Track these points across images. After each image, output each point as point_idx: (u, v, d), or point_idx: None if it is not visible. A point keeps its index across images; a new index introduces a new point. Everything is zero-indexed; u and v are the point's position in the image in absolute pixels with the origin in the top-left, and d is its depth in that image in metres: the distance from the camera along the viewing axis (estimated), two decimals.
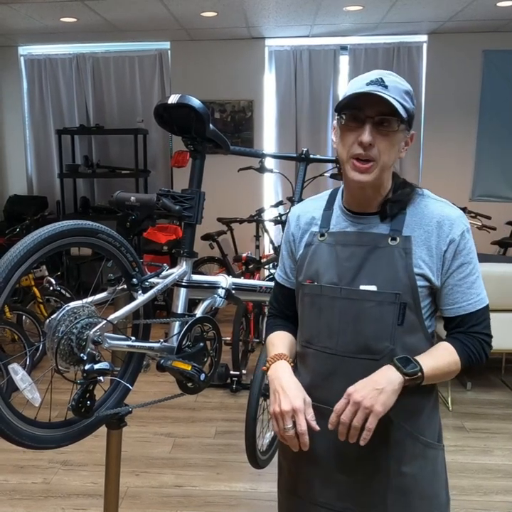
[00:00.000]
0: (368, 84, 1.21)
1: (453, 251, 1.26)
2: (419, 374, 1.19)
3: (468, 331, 1.28)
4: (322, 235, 1.35)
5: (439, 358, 1.25)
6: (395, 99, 1.19)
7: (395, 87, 1.21)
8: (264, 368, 1.40)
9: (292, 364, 1.35)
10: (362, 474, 1.32)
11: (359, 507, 1.34)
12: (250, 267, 4.45)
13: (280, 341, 1.43)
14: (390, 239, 1.27)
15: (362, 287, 1.27)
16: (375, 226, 1.30)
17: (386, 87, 1.20)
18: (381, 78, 1.21)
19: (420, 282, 1.26)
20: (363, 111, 1.20)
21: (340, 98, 1.25)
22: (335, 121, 1.29)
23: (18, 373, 1.35)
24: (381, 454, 1.30)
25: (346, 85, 5.44)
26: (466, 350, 1.27)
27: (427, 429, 1.34)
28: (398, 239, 1.27)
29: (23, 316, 4.52)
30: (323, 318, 1.32)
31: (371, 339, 1.27)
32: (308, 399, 1.26)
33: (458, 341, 1.28)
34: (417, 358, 1.22)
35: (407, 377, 1.18)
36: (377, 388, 1.17)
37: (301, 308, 1.40)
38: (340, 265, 1.30)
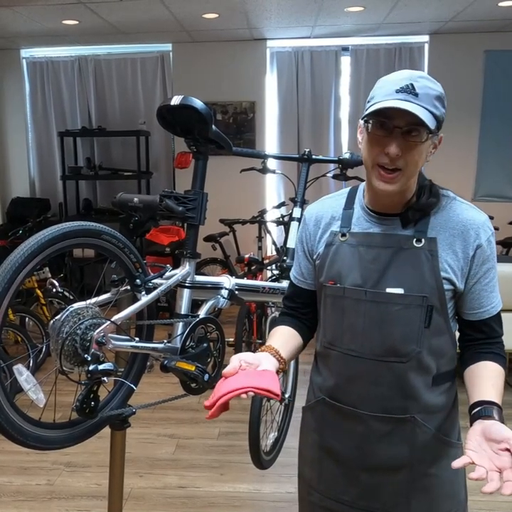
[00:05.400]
0: (397, 91, 1.15)
1: (481, 257, 1.25)
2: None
3: (494, 337, 1.31)
4: (343, 235, 1.33)
5: (501, 386, 1.26)
6: (425, 109, 1.15)
7: (425, 94, 1.16)
8: None
9: (277, 355, 1.28)
10: (386, 475, 1.33)
11: (382, 506, 1.34)
12: (253, 268, 4.45)
13: (276, 336, 1.39)
14: (414, 240, 1.25)
15: (388, 290, 1.25)
16: (399, 227, 1.28)
17: (416, 95, 1.15)
18: (411, 84, 1.15)
19: (446, 285, 1.25)
20: (392, 120, 1.16)
21: (369, 100, 1.21)
22: (361, 122, 1.24)
23: (22, 374, 1.36)
24: (406, 456, 1.31)
25: (347, 90, 5.34)
26: (504, 360, 1.30)
27: (449, 428, 1.35)
28: (423, 240, 1.25)
29: (26, 318, 4.53)
30: (347, 320, 1.31)
31: (398, 342, 1.26)
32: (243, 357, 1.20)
33: (499, 356, 1.29)
34: (498, 399, 1.20)
35: None
36: None
37: (322, 308, 1.38)
38: (364, 267, 1.28)
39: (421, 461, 1.31)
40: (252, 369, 1.19)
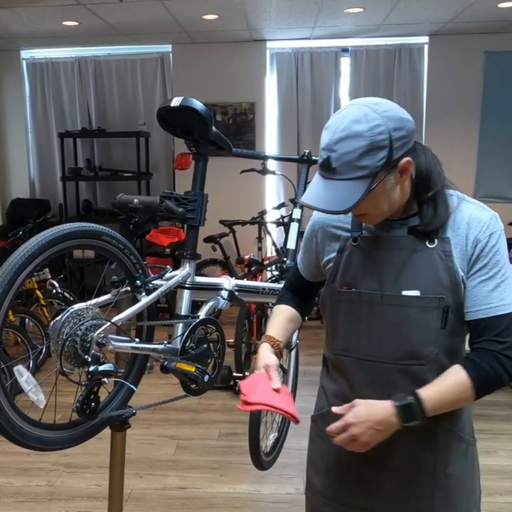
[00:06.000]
0: (320, 165, 1.17)
1: (478, 252, 1.22)
2: (419, 423, 1.17)
3: (485, 344, 1.20)
4: (355, 240, 1.32)
5: (448, 391, 1.19)
6: (346, 179, 1.14)
7: (344, 163, 1.13)
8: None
9: (277, 342, 1.39)
10: (407, 478, 1.31)
11: (405, 510, 1.33)
12: (253, 269, 4.46)
13: (277, 319, 1.48)
14: (427, 241, 1.24)
15: (404, 293, 1.24)
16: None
17: (334, 170, 1.14)
18: (328, 159, 1.15)
19: (460, 285, 1.23)
20: None
21: None
22: None
23: (23, 375, 1.36)
24: (427, 458, 1.30)
25: (347, 91, 5.32)
26: (481, 373, 1.18)
27: (466, 426, 1.34)
28: (436, 241, 1.23)
29: (27, 319, 4.52)
30: (363, 325, 1.30)
31: (416, 345, 1.24)
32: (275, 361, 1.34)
33: (471, 362, 1.20)
34: (424, 391, 1.18)
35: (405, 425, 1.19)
36: (378, 429, 1.17)
37: (333, 314, 1.36)
38: (379, 271, 1.28)
39: (443, 462, 1.30)
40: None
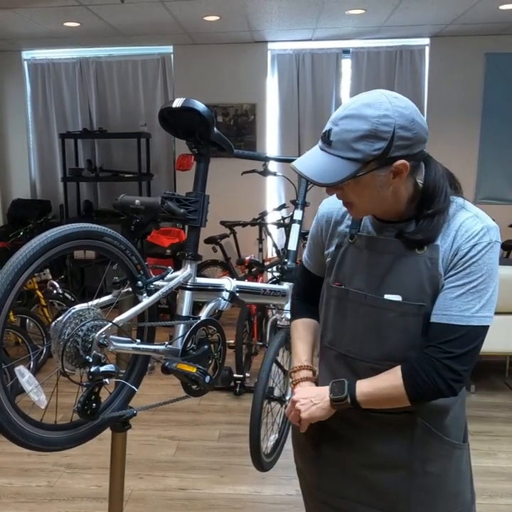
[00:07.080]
0: (321, 136, 1.20)
1: (456, 261, 1.19)
2: (346, 400, 1.25)
3: (429, 349, 1.20)
4: (352, 237, 1.34)
5: (380, 382, 1.24)
6: (339, 157, 1.15)
7: (340, 140, 1.15)
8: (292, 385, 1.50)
9: (314, 371, 1.47)
10: (385, 472, 1.33)
11: (384, 503, 1.35)
12: (253, 270, 4.46)
13: (301, 339, 1.52)
14: (416, 247, 1.23)
15: (386, 296, 1.25)
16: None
17: (330, 143, 1.16)
18: (328, 132, 1.18)
19: None
20: None
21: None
22: None
23: (24, 376, 1.36)
24: (404, 454, 1.31)
25: (348, 92, 5.37)
26: (414, 376, 1.20)
27: (452, 429, 1.34)
28: (425, 247, 1.22)
29: (27, 320, 4.53)
30: (348, 322, 1.33)
31: (395, 348, 1.26)
32: None
33: (409, 364, 1.21)
34: (361, 380, 1.26)
35: (333, 402, 1.27)
36: (313, 401, 1.32)
37: (326, 308, 1.40)
38: (367, 272, 1.29)
39: (421, 460, 1.31)
40: None
